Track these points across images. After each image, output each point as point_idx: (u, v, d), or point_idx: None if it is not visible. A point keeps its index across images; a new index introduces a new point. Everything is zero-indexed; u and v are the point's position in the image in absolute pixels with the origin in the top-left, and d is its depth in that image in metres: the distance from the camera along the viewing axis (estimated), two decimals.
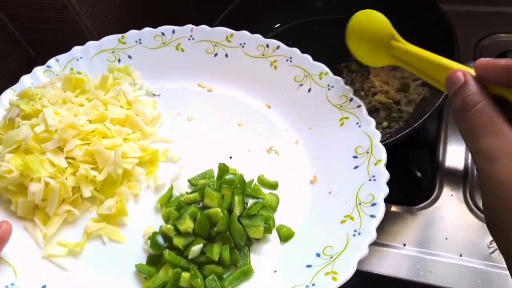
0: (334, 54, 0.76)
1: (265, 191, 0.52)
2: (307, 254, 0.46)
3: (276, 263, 0.46)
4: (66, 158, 0.50)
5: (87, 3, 0.68)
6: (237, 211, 0.47)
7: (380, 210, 0.46)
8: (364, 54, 0.54)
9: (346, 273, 0.42)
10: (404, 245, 0.59)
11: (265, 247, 0.48)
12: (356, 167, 0.51)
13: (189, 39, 0.65)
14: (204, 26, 0.65)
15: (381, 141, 0.54)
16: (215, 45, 0.65)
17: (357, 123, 0.55)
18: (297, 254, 0.46)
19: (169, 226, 0.46)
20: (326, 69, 0.60)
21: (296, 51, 0.62)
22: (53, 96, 0.55)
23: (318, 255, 0.45)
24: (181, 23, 0.66)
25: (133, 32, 0.64)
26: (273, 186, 0.52)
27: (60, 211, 0.48)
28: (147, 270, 0.45)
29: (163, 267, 0.44)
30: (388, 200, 0.60)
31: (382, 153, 0.51)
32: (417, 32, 0.72)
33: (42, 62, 0.62)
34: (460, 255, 0.57)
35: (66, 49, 0.61)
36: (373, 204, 0.47)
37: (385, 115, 0.69)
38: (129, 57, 0.64)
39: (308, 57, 0.61)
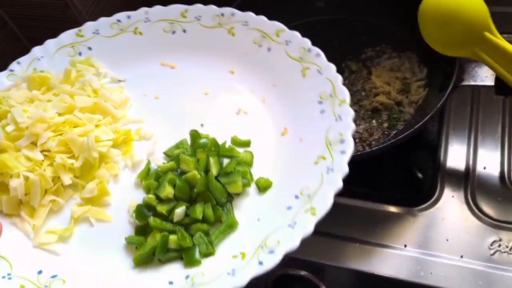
0: (336, 54, 0.73)
1: (240, 150, 0.53)
2: (287, 198, 0.47)
3: (258, 212, 0.48)
4: (42, 151, 0.51)
5: (89, 3, 0.69)
6: (213, 170, 0.49)
7: (349, 146, 0.48)
8: (439, 39, 0.48)
9: (324, 207, 0.44)
10: (405, 246, 0.59)
11: (246, 200, 0.49)
12: (322, 112, 0.53)
13: (145, 22, 0.66)
14: (158, 6, 0.66)
15: (383, 143, 0.56)
16: (172, 23, 0.66)
17: (318, 71, 0.56)
18: (277, 201, 0.48)
19: (150, 195, 0.48)
20: (281, 26, 0.61)
21: (250, 14, 0.63)
22: (20, 97, 0.56)
23: (296, 197, 0.47)
24: None
25: (89, 24, 0.65)
26: (246, 144, 0.54)
27: (45, 202, 0.49)
28: (136, 240, 0.46)
29: (151, 234, 0.46)
30: (389, 201, 0.62)
31: (345, 94, 0.52)
32: (418, 32, 0.69)
33: None
34: (461, 257, 0.56)
35: None
36: (342, 141, 0.49)
37: (387, 116, 0.69)
38: (89, 48, 0.65)
39: (263, 18, 0.62)
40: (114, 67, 0.64)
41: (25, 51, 0.63)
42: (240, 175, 0.49)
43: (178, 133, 0.56)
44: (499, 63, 0.41)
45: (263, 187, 0.49)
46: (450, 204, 0.61)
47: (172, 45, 0.65)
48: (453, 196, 0.61)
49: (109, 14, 0.66)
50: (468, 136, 0.67)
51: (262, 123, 0.56)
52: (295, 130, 0.54)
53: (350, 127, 0.49)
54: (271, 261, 0.41)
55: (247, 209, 0.49)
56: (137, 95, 0.61)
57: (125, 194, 0.52)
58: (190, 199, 0.48)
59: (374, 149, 0.59)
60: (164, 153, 0.54)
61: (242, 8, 0.77)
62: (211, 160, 0.49)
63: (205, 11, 0.65)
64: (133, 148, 0.55)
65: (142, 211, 0.48)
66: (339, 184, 0.45)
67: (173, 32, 0.66)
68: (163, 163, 0.52)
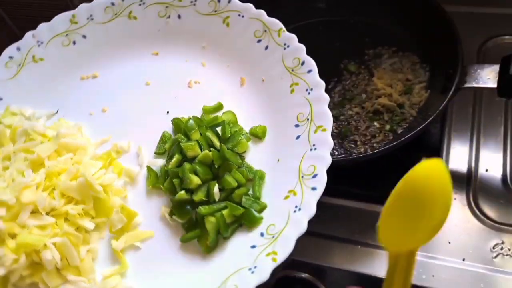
0: (337, 55, 0.75)
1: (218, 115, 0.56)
2: (289, 132, 0.52)
3: (273, 156, 0.52)
4: (48, 213, 0.48)
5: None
6: (216, 142, 0.51)
7: (312, 63, 0.53)
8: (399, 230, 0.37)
9: (328, 122, 0.49)
10: None
11: (252, 154, 0.53)
12: (266, 48, 0.57)
13: (38, 46, 0.62)
14: (42, 24, 0.62)
15: (385, 145, 0.57)
16: (67, 35, 0.63)
17: (239, 15, 0.59)
18: (281, 138, 0.52)
19: (180, 192, 0.49)
20: None
21: None
22: None
23: (297, 125, 0.52)
24: None
25: None
26: (219, 107, 0.56)
27: (82, 255, 0.48)
28: (194, 234, 0.48)
29: (205, 221, 0.48)
30: None
31: (277, 23, 0.57)
32: (420, 33, 0.72)
33: None
34: (463, 260, 0.56)
35: None
36: (303, 63, 0.54)
37: (389, 118, 0.68)
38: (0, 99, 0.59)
39: None
40: (37, 104, 0.60)
41: None
42: (239, 134, 0.52)
43: (150, 131, 0.56)
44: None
45: (261, 133, 0.54)
46: (452, 207, 0.56)
47: (80, 57, 0.63)
48: (455, 199, 0.61)
49: None
50: (470, 138, 0.66)
51: (217, 84, 0.59)
52: (252, 76, 0.58)
53: (301, 49, 0.55)
54: (321, 183, 0.47)
55: (261, 159, 0.52)
56: (83, 118, 0.59)
57: (146, 207, 0.52)
58: (215, 176, 0.50)
59: (376, 151, 0.59)
60: (156, 153, 0.54)
61: None
62: (209, 134, 0.52)
63: (93, 8, 0.63)
64: (122, 165, 0.54)
65: (180, 209, 0.49)
66: (326, 97, 0.51)
67: (74, 43, 0.63)
68: (166, 161, 0.53)
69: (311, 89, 0.53)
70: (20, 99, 0.60)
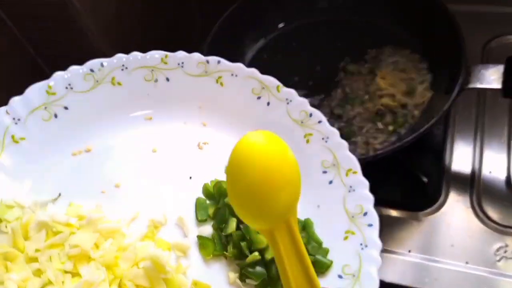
0: (338, 55, 0.73)
1: None
2: (318, 175, 0.55)
3: (310, 203, 0.54)
4: None
5: (88, 1, 0.65)
6: None
7: (318, 114, 0.59)
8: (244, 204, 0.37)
9: (353, 163, 0.56)
10: (409, 251, 0.58)
11: None
12: (268, 104, 0.60)
13: (16, 123, 0.54)
14: (14, 98, 0.54)
15: (387, 146, 0.57)
16: (45, 108, 0.56)
17: (232, 74, 0.61)
18: (313, 183, 0.55)
19: (254, 254, 0.49)
20: (162, 52, 0.61)
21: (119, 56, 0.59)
22: None
23: (325, 172, 0.57)
24: (184, 18, 0.69)
25: None
26: None
27: None
28: None
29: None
30: (393, 205, 0.62)
31: (271, 81, 0.61)
32: (423, 33, 0.72)
33: (42, 60, 0.68)
34: (466, 263, 0.56)
35: (66, 47, 0.61)
36: (310, 115, 0.59)
37: (391, 119, 0.67)
38: None
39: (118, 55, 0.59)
40: (30, 191, 0.52)
41: (24, 50, 0.67)
42: None
43: (178, 200, 0.54)
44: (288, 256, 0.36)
45: None
46: (455, 209, 0.60)
47: (66, 131, 0.57)
48: (458, 201, 0.61)
49: (108, 11, 0.68)
50: (473, 139, 0.66)
51: (227, 142, 0.57)
52: (257, 126, 0.59)
53: (305, 103, 0.57)
54: (374, 219, 0.51)
55: (300, 208, 0.55)
56: (95, 197, 0.52)
57: (207, 278, 0.49)
58: None
59: (378, 153, 0.59)
60: (200, 220, 0.52)
61: (245, 8, 0.72)
62: None
63: (70, 76, 0.57)
64: (167, 241, 0.51)
65: (256, 272, 0.49)
66: (345, 143, 0.55)
67: (55, 116, 0.56)
68: (221, 227, 0.51)
69: (327, 137, 0.57)
70: (7, 188, 0.50)
